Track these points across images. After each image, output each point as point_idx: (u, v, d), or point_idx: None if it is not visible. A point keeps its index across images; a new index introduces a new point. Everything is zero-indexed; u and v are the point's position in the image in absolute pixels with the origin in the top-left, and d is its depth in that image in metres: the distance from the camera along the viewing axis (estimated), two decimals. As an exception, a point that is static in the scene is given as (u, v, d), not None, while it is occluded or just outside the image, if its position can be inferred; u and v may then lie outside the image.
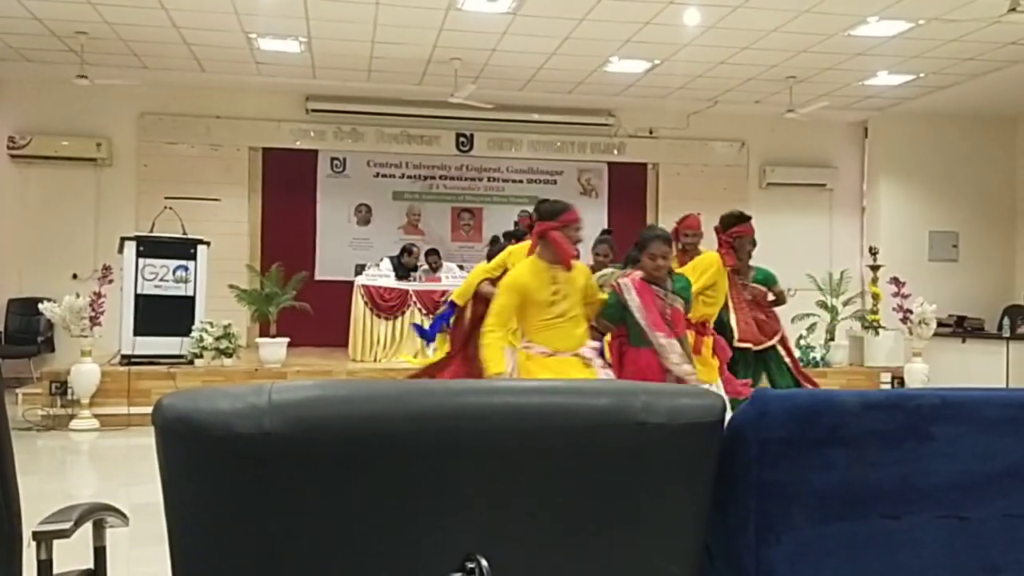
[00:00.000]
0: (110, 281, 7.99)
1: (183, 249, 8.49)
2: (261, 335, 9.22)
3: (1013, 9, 7.13)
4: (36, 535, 1.69)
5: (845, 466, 1.41)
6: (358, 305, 9.39)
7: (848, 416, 1.41)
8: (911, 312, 9.11)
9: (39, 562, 1.68)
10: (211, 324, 8.29)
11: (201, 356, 8.25)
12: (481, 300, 5.36)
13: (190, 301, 8.44)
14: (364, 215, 11.65)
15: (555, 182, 12.02)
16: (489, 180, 11.91)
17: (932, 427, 1.43)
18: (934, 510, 1.44)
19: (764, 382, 5.32)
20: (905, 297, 9.15)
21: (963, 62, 9.29)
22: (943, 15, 7.80)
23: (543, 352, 4.17)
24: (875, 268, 10.07)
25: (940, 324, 9.41)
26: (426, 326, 8.09)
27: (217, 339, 8.22)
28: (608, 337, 4.56)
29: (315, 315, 9.07)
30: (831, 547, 1.42)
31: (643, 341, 4.20)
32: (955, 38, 8.46)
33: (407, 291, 9.46)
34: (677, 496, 1.32)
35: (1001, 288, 11.40)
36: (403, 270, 9.95)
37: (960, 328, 9.87)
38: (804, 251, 11.02)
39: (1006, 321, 9.97)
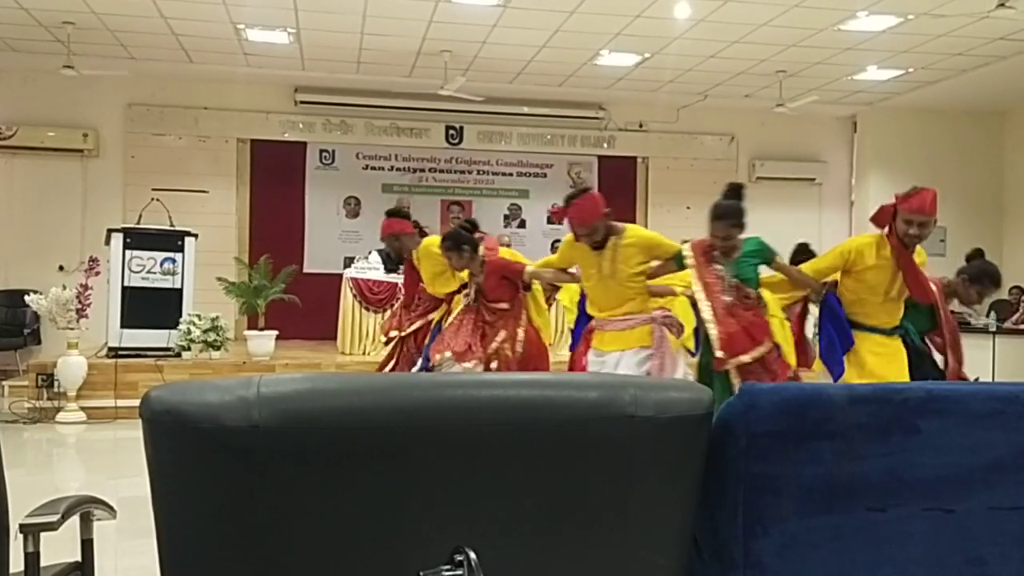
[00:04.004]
0: (97, 273, 7.94)
1: (170, 241, 8.44)
2: (249, 328, 9.19)
3: (1002, 4, 7.17)
4: (23, 528, 1.68)
5: (832, 459, 1.42)
6: (347, 298, 9.37)
7: (835, 410, 1.42)
8: (899, 306, 9.15)
9: (26, 555, 1.68)
10: (199, 317, 8.25)
11: (189, 349, 8.22)
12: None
13: (178, 293, 8.40)
14: (353, 208, 11.62)
15: (545, 175, 12.02)
16: (479, 173, 11.89)
17: (919, 420, 1.44)
18: (920, 503, 1.45)
19: None
20: (893, 291, 9.19)
21: (952, 57, 9.32)
22: (932, 10, 7.83)
23: None
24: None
25: (928, 318, 9.46)
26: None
27: (205, 332, 8.19)
28: None
29: (304, 308, 9.05)
30: (818, 539, 1.43)
31: None
32: (944, 33, 8.49)
33: (396, 284, 9.43)
34: (665, 489, 1.32)
35: (988, 283, 11.47)
36: (392, 262, 9.92)
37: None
38: (793, 245, 11.05)
39: (992, 315, 10.04)
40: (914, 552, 1.45)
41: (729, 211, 4.19)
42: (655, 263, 4.44)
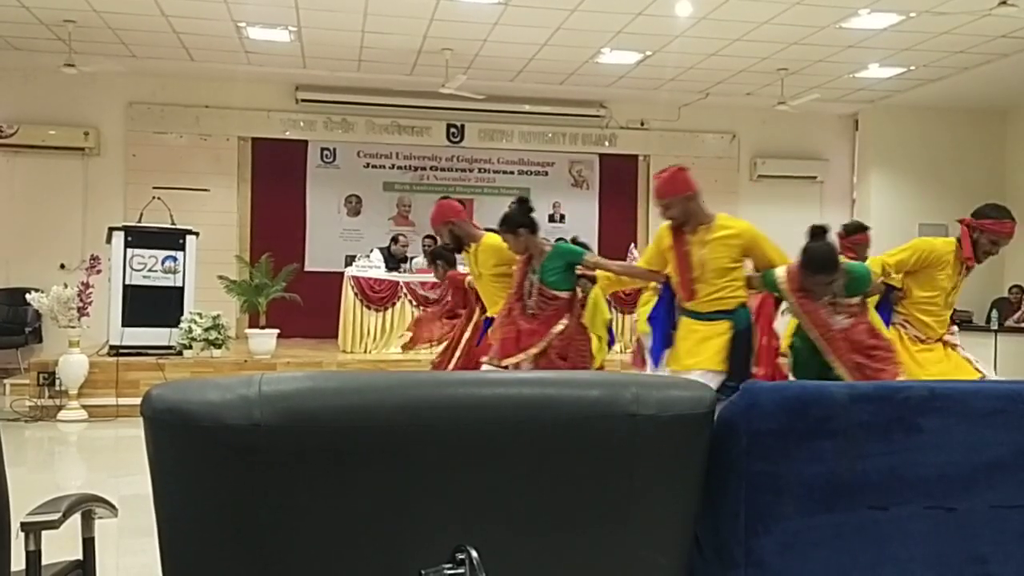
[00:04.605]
0: (98, 271, 7.93)
1: (172, 240, 8.44)
2: (250, 326, 9.19)
3: (1003, 2, 7.16)
4: (24, 526, 1.68)
5: (834, 458, 1.41)
6: (348, 296, 9.36)
7: (837, 408, 1.42)
8: (900, 304, 9.13)
9: (28, 553, 1.68)
10: (200, 315, 8.25)
11: (190, 347, 8.22)
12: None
13: (179, 292, 8.39)
14: (354, 206, 11.61)
15: (546, 174, 12.01)
16: (480, 171, 11.88)
17: (920, 419, 1.44)
18: (922, 501, 1.45)
19: None
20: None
21: (954, 55, 9.31)
22: (934, 8, 7.82)
23: None
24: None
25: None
26: None
27: (206, 330, 8.18)
28: None
29: (305, 306, 9.04)
30: (819, 538, 1.42)
31: None
32: (946, 31, 8.48)
33: (397, 282, 9.43)
34: (667, 487, 1.32)
35: (989, 281, 11.44)
36: (393, 261, 9.92)
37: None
38: (794, 244, 11.02)
39: (994, 314, 10.04)
40: (916, 551, 1.45)
41: (502, 219, 4.68)
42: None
